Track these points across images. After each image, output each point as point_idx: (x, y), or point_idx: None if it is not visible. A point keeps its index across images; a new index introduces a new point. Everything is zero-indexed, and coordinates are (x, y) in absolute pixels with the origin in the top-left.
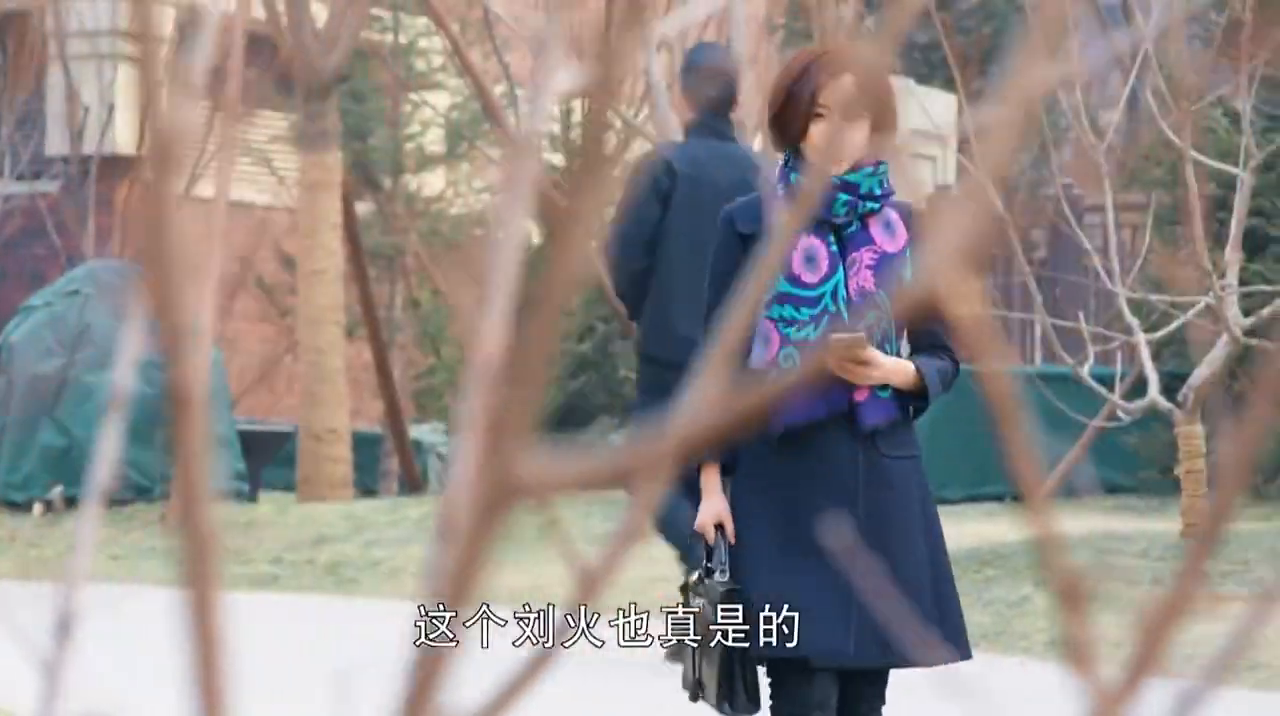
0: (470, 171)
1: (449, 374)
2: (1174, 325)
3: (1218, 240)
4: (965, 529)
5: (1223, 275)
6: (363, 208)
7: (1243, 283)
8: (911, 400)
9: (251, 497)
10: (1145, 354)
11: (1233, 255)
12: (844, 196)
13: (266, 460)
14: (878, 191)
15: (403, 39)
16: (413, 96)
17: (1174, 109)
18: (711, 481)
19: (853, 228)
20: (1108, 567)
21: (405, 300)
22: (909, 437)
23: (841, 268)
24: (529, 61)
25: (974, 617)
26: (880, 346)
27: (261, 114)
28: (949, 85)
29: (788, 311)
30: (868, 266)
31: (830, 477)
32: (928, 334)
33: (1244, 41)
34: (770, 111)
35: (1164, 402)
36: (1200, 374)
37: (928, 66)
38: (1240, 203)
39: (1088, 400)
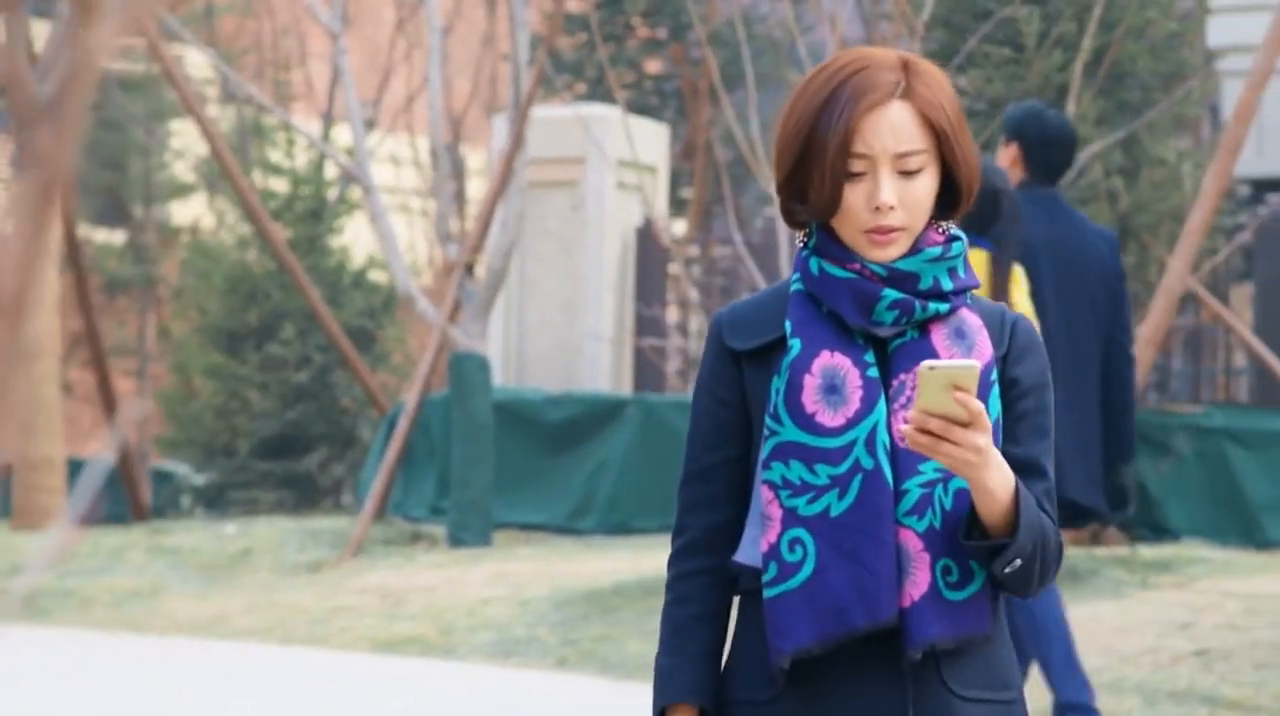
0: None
1: (202, 404)
2: None
3: None
4: (650, 560)
5: None
6: (114, 237)
7: None
8: (993, 547)
9: None
10: None
11: None
12: (891, 294)
13: None
14: (947, 286)
15: (157, 68)
16: (173, 125)
17: None
18: None
19: (905, 337)
20: None
21: (157, 329)
22: (996, 662)
23: (884, 400)
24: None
25: (634, 647)
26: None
27: None
28: (681, 115)
29: (795, 472)
30: None
31: None
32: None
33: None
34: (782, 166)
35: None
36: None
37: (659, 96)
38: None
39: None
